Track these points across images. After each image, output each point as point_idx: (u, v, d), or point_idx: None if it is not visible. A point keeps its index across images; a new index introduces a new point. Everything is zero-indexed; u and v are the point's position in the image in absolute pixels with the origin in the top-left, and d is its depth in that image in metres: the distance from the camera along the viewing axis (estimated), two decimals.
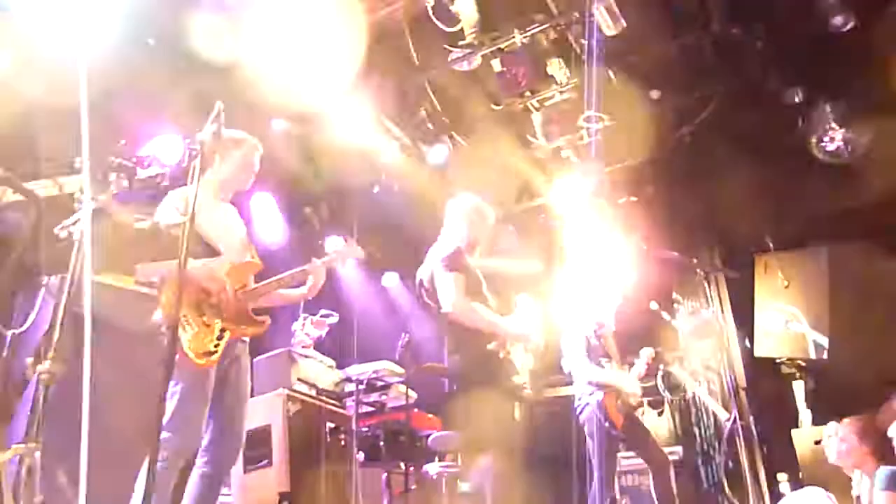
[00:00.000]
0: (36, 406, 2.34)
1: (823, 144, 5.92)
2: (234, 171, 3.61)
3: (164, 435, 3.04)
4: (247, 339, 3.46)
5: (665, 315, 5.37)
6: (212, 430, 3.24)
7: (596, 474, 4.85)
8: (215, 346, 3.14)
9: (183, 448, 3.01)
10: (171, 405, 3.10)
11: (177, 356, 3.13)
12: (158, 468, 3.00)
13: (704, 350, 5.48)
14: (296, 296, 3.65)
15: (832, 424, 4.29)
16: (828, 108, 5.90)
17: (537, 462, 3.79)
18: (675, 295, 6.93)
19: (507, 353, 3.62)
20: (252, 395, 4.43)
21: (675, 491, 4.84)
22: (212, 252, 3.28)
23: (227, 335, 3.22)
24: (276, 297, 3.59)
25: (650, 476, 5.00)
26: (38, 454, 2.24)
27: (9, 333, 3.56)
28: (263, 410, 4.17)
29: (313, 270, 3.53)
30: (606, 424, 4.85)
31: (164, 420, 3.09)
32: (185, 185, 3.29)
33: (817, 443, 4.67)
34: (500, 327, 3.65)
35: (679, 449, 6.24)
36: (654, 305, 5.23)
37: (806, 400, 6.16)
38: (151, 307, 3.26)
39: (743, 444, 3.87)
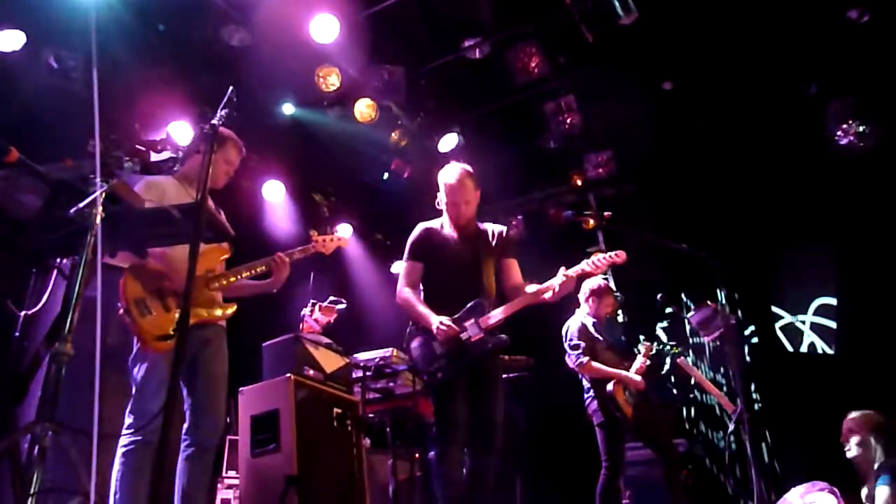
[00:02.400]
0: (48, 387, 2.36)
1: (837, 139, 5.88)
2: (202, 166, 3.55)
3: (129, 419, 3.09)
4: (221, 324, 3.45)
5: (672, 307, 5.37)
6: (190, 414, 3.29)
7: (604, 465, 4.87)
8: (173, 331, 3.05)
9: (145, 428, 2.98)
10: (136, 388, 3.15)
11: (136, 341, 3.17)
12: (127, 449, 3.05)
13: (712, 342, 5.48)
14: (261, 287, 3.61)
15: (848, 418, 4.27)
16: (841, 103, 5.85)
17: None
18: (682, 287, 6.93)
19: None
20: (260, 380, 4.50)
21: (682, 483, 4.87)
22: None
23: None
24: (244, 288, 3.56)
25: (663, 469, 5.01)
26: (50, 434, 2.26)
27: (21, 314, 3.60)
28: (271, 395, 4.19)
29: (277, 263, 3.52)
30: (618, 415, 4.86)
31: (130, 404, 3.14)
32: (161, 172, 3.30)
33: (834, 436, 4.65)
34: (422, 319, 3.55)
35: (684, 441, 6.27)
36: (661, 297, 5.23)
37: (814, 393, 6.16)
38: None
39: (749, 436, 3.86)
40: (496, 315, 3.52)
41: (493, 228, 3.85)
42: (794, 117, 6.19)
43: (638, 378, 5.03)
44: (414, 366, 3.92)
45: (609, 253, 3.64)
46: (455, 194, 3.71)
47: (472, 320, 3.51)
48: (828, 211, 6.55)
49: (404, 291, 3.68)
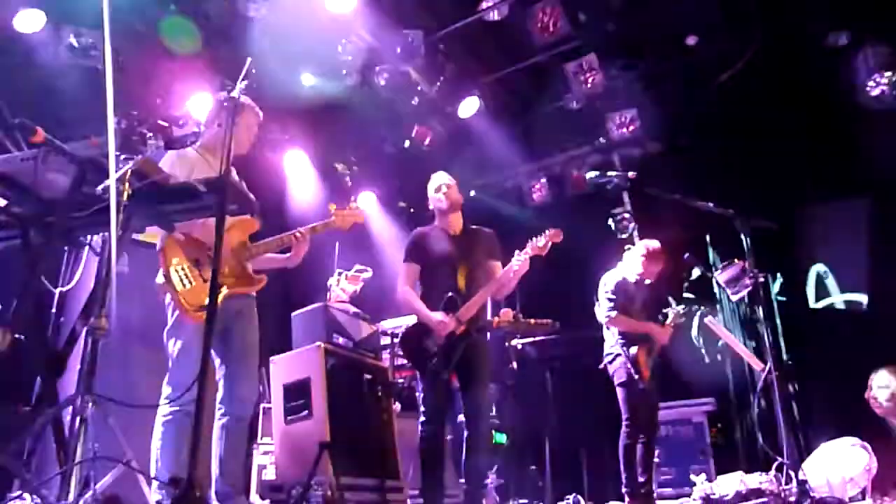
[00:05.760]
0: (86, 360, 2.44)
1: (867, 90, 5.71)
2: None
3: (168, 390, 3.15)
4: (252, 294, 3.49)
5: (699, 266, 5.32)
6: (224, 384, 3.36)
7: (624, 423, 4.94)
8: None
9: (188, 399, 2.93)
10: (173, 360, 3.21)
11: (176, 313, 3.22)
12: (167, 419, 3.12)
13: (740, 301, 5.43)
14: (280, 262, 3.65)
15: (879, 374, 4.24)
16: (872, 52, 5.67)
17: None
18: (710, 245, 6.86)
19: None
20: (290, 349, 4.57)
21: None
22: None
23: (223, 290, 3.23)
24: (264, 261, 3.59)
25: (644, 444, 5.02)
26: (90, 405, 2.34)
27: (56, 291, 3.70)
28: (302, 364, 4.26)
29: (297, 239, 3.55)
30: (636, 377, 4.89)
31: (168, 376, 3.20)
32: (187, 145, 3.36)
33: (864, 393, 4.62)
34: (423, 316, 3.93)
35: (713, 400, 6.27)
36: (688, 257, 5.18)
37: (844, 349, 6.10)
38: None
39: (778, 394, 3.85)
40: (468, 307, 3.87)
41: (482, 231, 4.21)
42: (822, 69, 6.02)
43: (666, 335, 5.03)
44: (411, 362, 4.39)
45: (545, 234, 3.94)
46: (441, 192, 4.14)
47: (451, 315, 3.86)
48: (858, 164, 6.40)
49: (404, 290, 4.06)
